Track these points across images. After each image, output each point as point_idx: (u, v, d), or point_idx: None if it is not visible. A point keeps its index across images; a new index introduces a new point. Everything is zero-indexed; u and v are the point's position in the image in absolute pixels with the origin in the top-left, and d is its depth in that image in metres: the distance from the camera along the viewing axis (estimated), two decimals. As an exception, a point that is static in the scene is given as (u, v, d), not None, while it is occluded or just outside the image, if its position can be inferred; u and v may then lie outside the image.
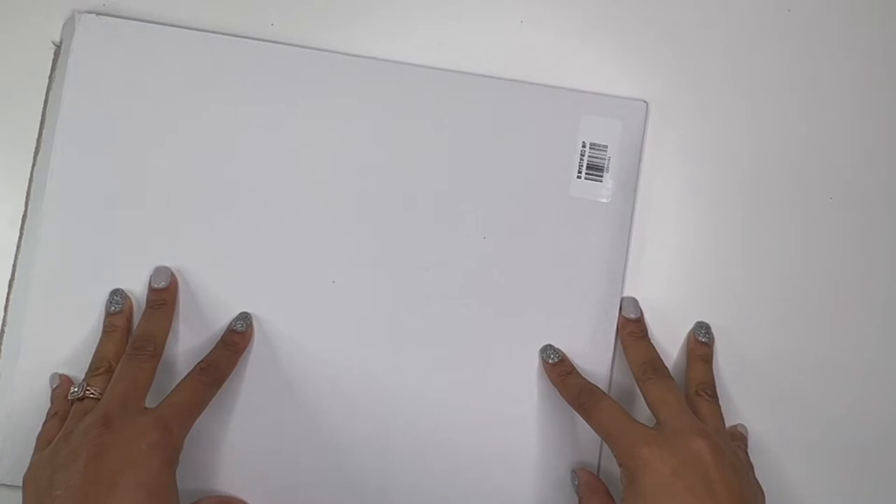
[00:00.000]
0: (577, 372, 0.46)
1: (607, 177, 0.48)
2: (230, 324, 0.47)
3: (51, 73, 0.49)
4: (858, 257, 0.49)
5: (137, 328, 0.45)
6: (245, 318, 0.47)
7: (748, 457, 0.45)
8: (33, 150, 0.49)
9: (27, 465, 0.41)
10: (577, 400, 0.45)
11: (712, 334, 0.48)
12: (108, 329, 0.46)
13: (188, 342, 0.47)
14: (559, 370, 0.46)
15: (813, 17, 0.50)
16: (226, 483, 0.47)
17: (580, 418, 0.45)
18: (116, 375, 0.43)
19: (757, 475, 0.44)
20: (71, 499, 0.38)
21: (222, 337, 0.47)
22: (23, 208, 0.49)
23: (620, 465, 0.42)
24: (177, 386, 0.43)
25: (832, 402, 0.49)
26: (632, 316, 0.48)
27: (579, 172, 0.48)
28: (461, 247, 0.48)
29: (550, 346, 0.47)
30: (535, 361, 0.48)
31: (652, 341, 0.47)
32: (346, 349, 0.47)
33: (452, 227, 0.48)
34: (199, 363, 0.45)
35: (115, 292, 0.47)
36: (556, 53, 0.50)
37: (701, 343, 0.48)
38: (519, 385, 0.47)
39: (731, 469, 0.40)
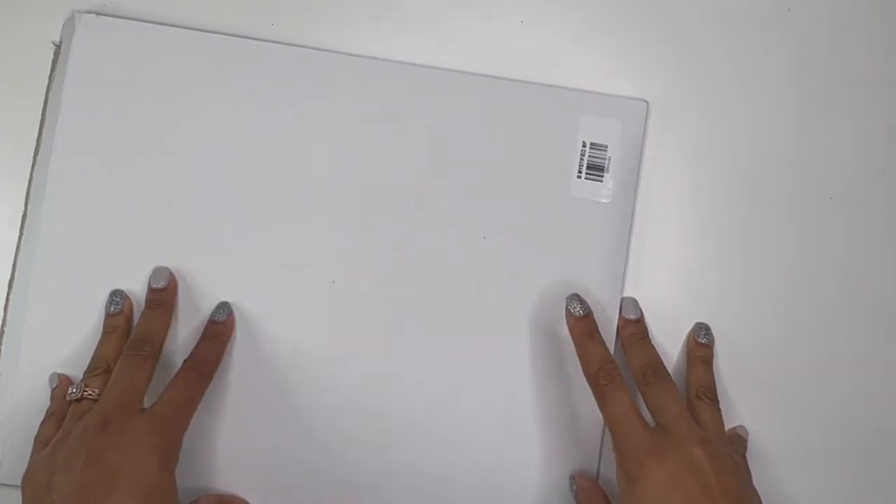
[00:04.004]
0: (600, 337, 0.45)
1: (607, 177, 0.48)
2: (210, 315, 0.47)
3: (51, 73, 0.49)
4: (858, 257, 0.49)
5: (135, 328, 0.45)
6: (224, 307, 0.47)
7: (746, 462, 0.45)
8: (33, 150, 0.49)
9: (27, 465, 0.41)
10: (595, 378, 0.43)
11: (712, 335, 0.48)
12: (107, 329, 0.46)
13: (187, 342, 0.47)
14: (582, 327, 0.45)
15: (813, 17, 0.50)
16: (225, 482, 0.47)
17: (580, 420, 0.45)
18: (114, 376, 0.43)
19: (757, 476, 0.44)
20: (69, 501, 0.38)
21: (204, 330, 0.46)
22: (23, 208, 0.49)
23: (620, 465, 0.42)
24: (168, 386, 0.43)
25: (832, 403, 0.48)
26: (632, 317, 0.47)
27: (579, 172, 0.48)
28: (461, 247, 0.48)
29: (577, 295, 0.46)
30: (534, 362, 0.47)
31: (652, 342, 0.47)
32: (345, 349, 0.47)
33: (452, 227, 0.48)
34: (185, 360, 0.45)
35: (115, 293, 0.47)
36: (556, 53, 0.50)
37: (701, 344, 0.47)
38: (519, 385, 0.47)
39: (729, 474, 0.40)
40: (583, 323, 0.45)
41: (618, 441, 0.42)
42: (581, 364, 0.45)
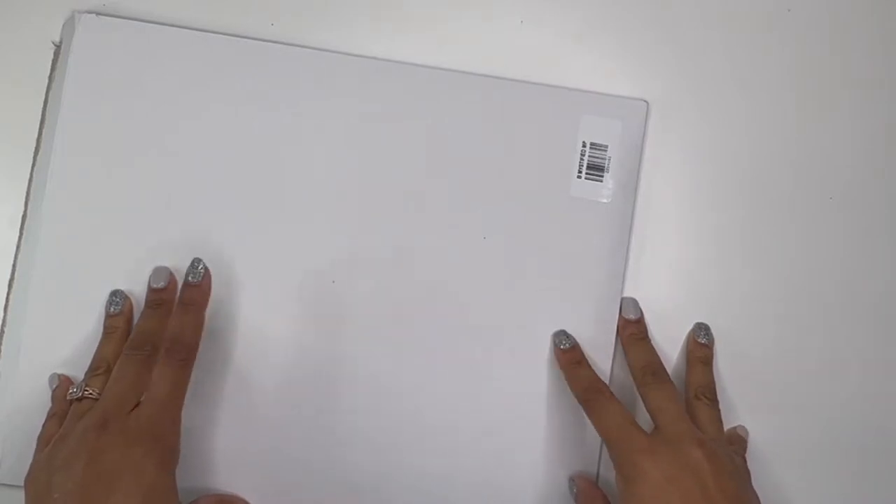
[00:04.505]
0: (588, 363, 0.46)
1: (607, 177, 0.48)
2: (185, 276, 0.45)
3: (51, 73, 0.49)
4: (858, 257, 0.49)
5: (136, 328, 0.45)
6: (197, 264, 0.45)
7: (745, 462, 0.45)
8: (33, 150, 0.49)
9: (27, 465, 0.41)
10: (583, 395, 0.44)
11: (712, 335, 0.48)
12: (108, 330, 0.46)
13: (188, 342, 0.47)
14: (569, 357, 0.46)
15: (813, 17, 0.50)
16: (225, 482, 0.47)
17: (580, 421, 0.45)
18: (114, 375, 0.43)
19: (757, 476, 0.44)
20: (70, 500, 0.38)
21: (180, 298, 0.45)
22: (23, 208, 0.49)
23: (618, 470, 0.42)
24: (152, 378, 0.42)
25: (832, 403, 0.48)
26: (632, 317, 0.47)
27: (579, 172, 0.48)
28: (461, 247, 0.48)
29: (563, 331, 0.47)
30: (534, 362, 0.47)
31: (652, 343, 0.47)
32: (345, 349, 0.47)
33: (452, 227, 0.48)
34: (163, 343, 0.43)
35: (115, 293, 0.47)
36: (556, 53, 0.50)
37: (700, 345, 0.47)
38: (519, 386, 0.47)
39: (728, 476, 0.40)
40: (570, 353, 0.46)
41: (613, 447, 0.42)
42: (570, 387, 0.46)
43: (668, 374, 0.45)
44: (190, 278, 0.46)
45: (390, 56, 0.49)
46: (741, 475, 0.42)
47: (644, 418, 0.44)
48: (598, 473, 0.47)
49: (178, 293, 0.46)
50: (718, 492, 0.39)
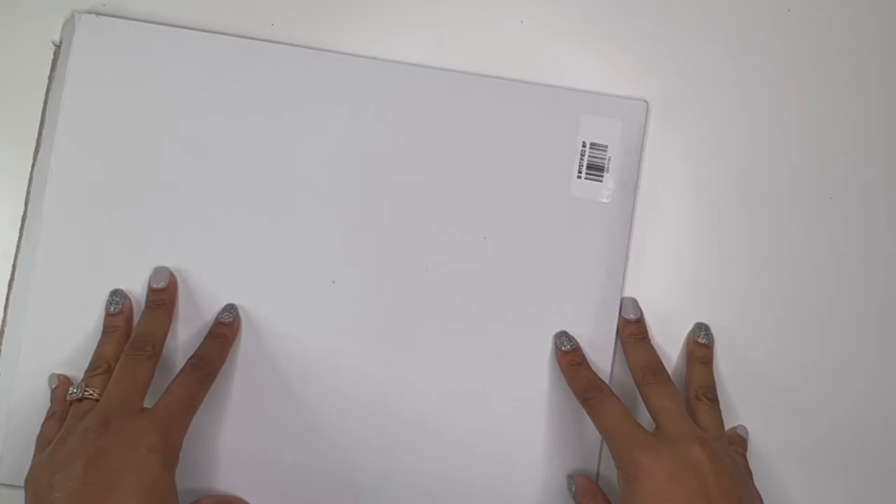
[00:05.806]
0: (588, 364, 0.46)
1: (607, 177, 0.48)
2: (217, 316, 0.47)
3: (51, 73, 0.49)
4: (858, 257, 0.49)
5: (136, 328, 0.45)
6: (231, 309, 0.47)
7: (747, 462, 0.45)
8: (33, 150, 0.49)
9: (27, 465, 0.41)
10: (583, 394, 0.45)
11: (712, 335, 0.48)
12: (107, 329, 0.46)
13: (187, 342, 0.47)
14: (570, 359, 0.46)
15: (813, 17, 0.50)
16: (225, 482, 0.47)
17: (581, 421, 0.45)
18: (115, 376, 0.43)
19: (757, 476, 0.44)
20: (70, 501, 0.38)
21: (210, 330, 0.46)
22: (23, 208, 0.49)
23: (618, 468, 0.42)
24: (170, 384, 0.43)
25: (832, 403, 0.48)
26: (632, 317, 0.47)
27: (579, 172, 0.48)
28: (461, 247, 0.48)
29: (565, 332, 0.47)
30: (534, 362, 0.47)
31: (652, 343, 0.47)
32: (345, 349, 0.47)
33: (452, 226, 0.48)
34: (189, 359, 0.44)
35: (115, 293, 0.47)
36: (556, 53, 0.50)
37: (700, 345, 0.47)
38: (519, 386, 0.47)
39: (728, 476, 0.40)
40: (571, 355, 0.46)
41: (613, 444, 0.42)
42: (570, 388, 0.46)
43: (668, 374, 0.45)
44: (223, 319, 0.47)
45: (390, 56, 0.49)
46: (742, 474, 0.42)
47: (644, 419, 0.44)
48: (598, 473, 0.47)
49: (209, 329, 0.47)
50: (719, 490, 0.39)
